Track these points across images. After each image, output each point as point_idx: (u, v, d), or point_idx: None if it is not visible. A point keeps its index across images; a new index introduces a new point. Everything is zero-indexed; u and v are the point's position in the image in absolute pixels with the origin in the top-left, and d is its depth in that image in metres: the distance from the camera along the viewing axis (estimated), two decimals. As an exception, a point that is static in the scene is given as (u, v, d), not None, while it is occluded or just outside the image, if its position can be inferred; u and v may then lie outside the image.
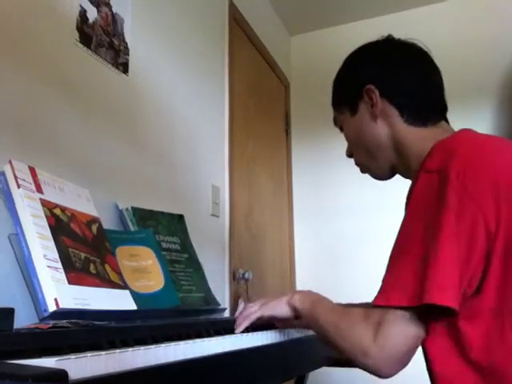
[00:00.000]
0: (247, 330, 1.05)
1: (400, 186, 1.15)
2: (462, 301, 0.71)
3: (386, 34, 0.98)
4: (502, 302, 0.72)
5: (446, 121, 0.94)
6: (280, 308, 0.96)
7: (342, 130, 1.04)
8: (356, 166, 1.06)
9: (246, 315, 0.99)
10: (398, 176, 1.11)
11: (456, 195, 0.71)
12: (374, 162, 0.98)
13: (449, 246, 0.70)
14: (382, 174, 0.99)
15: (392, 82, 0.92)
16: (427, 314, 0.73)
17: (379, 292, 0.77)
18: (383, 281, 0.77)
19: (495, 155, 0.78)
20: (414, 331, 0.73)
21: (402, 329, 0.73)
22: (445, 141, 0.82)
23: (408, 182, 1.08)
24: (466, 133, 0.86)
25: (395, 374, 0.76)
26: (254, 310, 0.99)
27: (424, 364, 0.81)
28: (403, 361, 0.75)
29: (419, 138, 0.89)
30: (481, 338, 0.72)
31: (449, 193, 0.71)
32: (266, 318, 0.99)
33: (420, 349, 0.78)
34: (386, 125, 0.92)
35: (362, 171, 1.04)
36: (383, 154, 0.95)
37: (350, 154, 1.05)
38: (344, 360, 1.38)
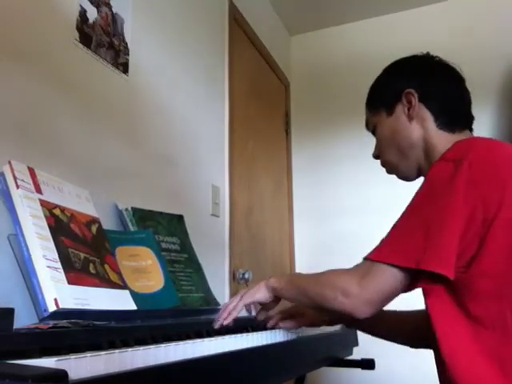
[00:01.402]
0: (247, 329, 1.05)
1: (401, 185, 1.16)
2: (461, 280, 0.80)
3: (391, 31, 1.07)
4: (500, 285, 0.80)
5: (471, 130, 1.04)
6: (259, 293, 1.01)
7: (373, 132, 1.11)
8: (357, 164, 1.10)
9: (229, 309, 1.01)
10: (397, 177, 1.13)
11: (464, 183, 0.81)
12: (404, 161, 1.05)
13: (451, 224, 0.80)
14: (410, 173, 1.06)
15: (431, 89, 1.02)
16: (415, 276, 0.83)
17: (374, 249, 0.86)
18: (382, 241, 0.87)
19: (506, 155, 0.88)
20: (394, 285, 0.83)
21: (385, 280, 0.83)
22: (465, 139, 0.94)
23: (407, 183, 1.10)
24: (486, 138, 0.96)
25: (367, 315, 0.85)
26: (236, 302, 1.01)
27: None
28: (377, 305, 0.85)
29: (446, 142, 0.96)
30: (489, 318, 0.80)
31: (459, 179, 0.81)
32: (248, 307, 1.04)
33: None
34: (420, 127, 1.02)
35: (389, 171, 1.11)
36: (414, 153, 1.03)
37: (377, 155, 1.12)
38: (343, 360, 1.39)
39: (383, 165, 1.11)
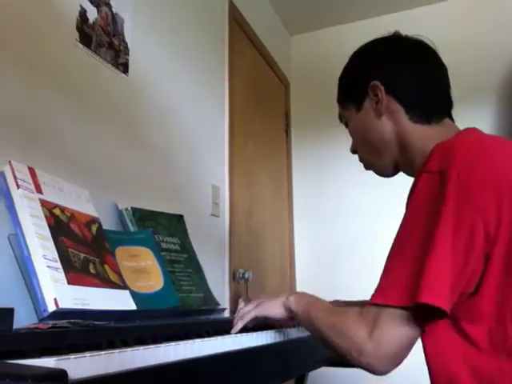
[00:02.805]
0: (246, 330, 1.05)
1: (401, 186, 1.15)
2: (461, 302, 0.72)
3: (392, 31, 0.98)
4: (502, 307, 0.72)
5: (451, 117, 0.94)
6: (275, 309, 0.96)
7: (346, 126, 1.04)
8: (357, 165, 1.06)
9: (240, 316, 0.99)
10: (398, 176, 1.11)
11: (456, 196, 0.71)
12: (378, 158, 0.98)
13: (445, 246, 0.70)
14: (386, 170, 1.00)
15: (398, 78, 0.92)
16: (424, 315, 0.72)
17: (376, 290, 0.77)
18: (380, 278, 0.77)
19: (496, 155, 0.78)
20: (409, 331, 0.73)
21: (397, 328, 0.72)
22: (446, 142, 0.81)
23: (408, 183, 1.09)
24: (469, 132, 0.86)
25: (389, 372, 0.76)
26: (248, 310, 0.98)
27: (420, 363, 0.81)
28: (397, 359, 0.74)
29: (423, 136, 0.89)
30: (485, 341, 0.72)
31: (448, 193, 0.71)
32: (260, 319, 0.99)
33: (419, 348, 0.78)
34: (391, 122, 0.93)
35: (366, 168, 1.04)
36: (387, 150, 0.95)
37: (354, 150, 1.05)
38: (344, 360, 1.39)
39: (360, 160, 1.04)
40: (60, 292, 0.87)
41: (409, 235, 0.76)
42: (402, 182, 1.11)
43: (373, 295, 0.76)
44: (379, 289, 0.76)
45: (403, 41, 0.96)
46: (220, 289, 1.91)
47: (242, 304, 1.07)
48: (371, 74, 0.94)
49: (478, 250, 0.70)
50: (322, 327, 0.84)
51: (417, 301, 0.69)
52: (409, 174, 0.96)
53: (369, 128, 0.96)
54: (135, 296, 1.08)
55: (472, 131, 0.87)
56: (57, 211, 0.99)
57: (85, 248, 1.01)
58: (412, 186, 0.80)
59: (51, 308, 0.84)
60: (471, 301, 0.72)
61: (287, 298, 0.95)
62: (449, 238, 0.70)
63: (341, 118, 1.06)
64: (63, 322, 0.75)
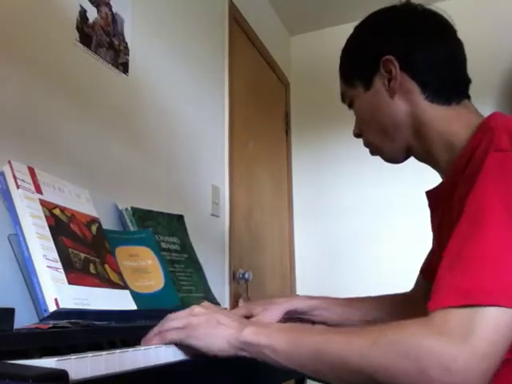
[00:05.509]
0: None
1: (401, 186, 1.15)
2: None
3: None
4: None
5: (469, 97, 0.85)
6: (213, 342, 0.68)
7: (350, 106, 0.94)
8: (357, 164, 1.04)
9: (162, 330, 0.71)
10: (399, 175, 1.10)
11: None
12: (388, 142, 0.88)
13: None
14: (396, 156, 0.90)
15: (415, 53, 0.82)
16: None
17: (448, 291, 0.59)
18: (454, 275, 0.60)
19: None
20: (509, 333, 0.56)
21: (499, 330, 0.55)
22: (506, 118, 0.72)
23: (409, 183, 1.08)
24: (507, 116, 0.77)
25: None
26: (175, 326, 0.71)
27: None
28: (494, 369, 0.56)
29: (444, 118, 0.81)
30: None
31: None
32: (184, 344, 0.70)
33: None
34: (405, 102, 0.83)
35: (373, 153, 0.94)
36: (400, 134, 0.85)
37: (358, 133, 0.94)
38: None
39: (366, 145, 0.93)
40: (60, 292, 0.87)
41: (503, 224, 0.60)
42: (403, 182, 1.11)
43: (444, 298, 0.59)
44: (455, 289, 0.58)
45: (418, 12, 0.86)
46: (220, 289, 1.91)
47: (241, 304, 1.05)
48: (384, 47, 0.83)
49: None
50: (350, 353, 0.60)
51: None
52: (421, 159, 0.88)
53: (379, 109, 0.85)
54: (136, 296, 1.08)
55: (503, 114, 0.78)
56: (57, 211, 0.99)
57: (85, 248, 1.01)
58: (475, 166, 0.67)
59: (52, 308, 0.84)
60: None
61: (242, 331, 0.68)
62: None
63: (343, 96, 0.94)
64: (64, 322, 0.75)
